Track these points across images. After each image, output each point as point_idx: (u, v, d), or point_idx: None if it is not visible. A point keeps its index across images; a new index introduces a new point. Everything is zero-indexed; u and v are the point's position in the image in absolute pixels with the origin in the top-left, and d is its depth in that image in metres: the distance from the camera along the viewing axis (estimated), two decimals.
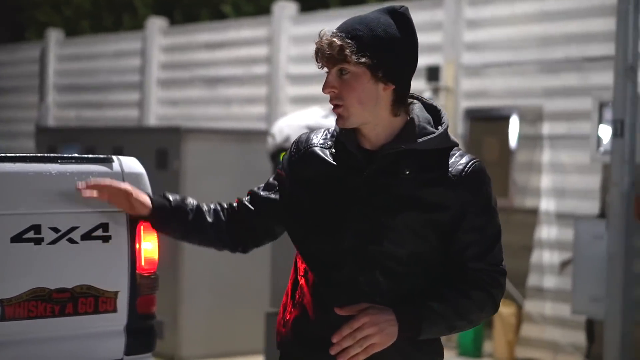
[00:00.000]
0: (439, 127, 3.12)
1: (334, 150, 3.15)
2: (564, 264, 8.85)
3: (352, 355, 2.98)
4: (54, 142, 9.90)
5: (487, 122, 9.33)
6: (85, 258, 3.88)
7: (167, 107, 13.29)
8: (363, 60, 3.02)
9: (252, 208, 3.37)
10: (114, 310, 3.94)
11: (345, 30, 3.06)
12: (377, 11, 3.14)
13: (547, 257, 9.05)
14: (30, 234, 3.77)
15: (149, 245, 4.05)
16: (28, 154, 3.92)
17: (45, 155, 3.93)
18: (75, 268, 3.86)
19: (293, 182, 3.23)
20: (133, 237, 4.00)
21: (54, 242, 3.82)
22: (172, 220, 3.48)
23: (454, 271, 3.09)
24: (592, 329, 8.50)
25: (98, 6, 16.42)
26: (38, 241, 3.78)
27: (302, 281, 3.19)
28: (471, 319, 3.10)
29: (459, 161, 3.08)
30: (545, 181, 9.10)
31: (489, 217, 3.10)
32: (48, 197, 3.83)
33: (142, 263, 4.02)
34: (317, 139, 3.23)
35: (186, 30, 13.40)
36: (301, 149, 3.24)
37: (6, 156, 3.82)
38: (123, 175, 4.03)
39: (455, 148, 3.13)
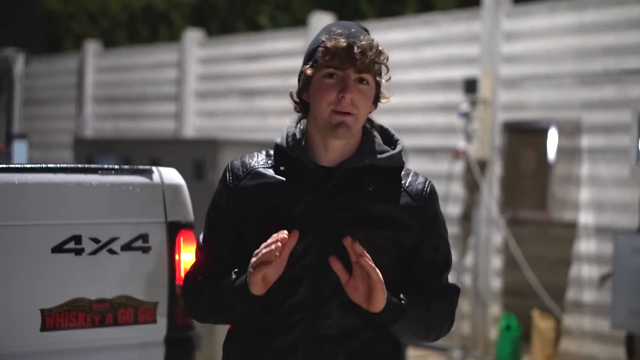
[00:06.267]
0: (397, 146, 3.05)
1: (282, 167, 3.00)
2: (603, 278, 8.78)
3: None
4: (91, 153, 9.94)
5: (525, 135, 9.28)
6: (125, 269, 3.88)
7: (204, 118, 13.33)
8: (382, 78, 2.98)
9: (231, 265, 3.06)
10: (154, 321, 3.94)
11: (371, 40, 2.95)
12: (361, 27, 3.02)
13: (585, 271, 8.98)
14: (71, 245, 3.77)
15: (188, 256, 4.05)
16: (69, 165, 3.93)
17: (86, 166, 3.94)
18: (115, 278, 3.86)
19: (240, 213, 3.01)
20: (172, 248, 4.00)
21: (94, 252, 3.82)
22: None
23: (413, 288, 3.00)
24: (632, 343, 8.41)
25: (134, 18, 16.50)
26: (79, 252, 3.79)
27: None
28: (440, 324, 3.00)
29: (416, 180, 3.02)
30: (584, 194, 9.04)
31: (444, 236, 3.06)
32: (88, 207, 3.84)
33: (182, 274, 4.02)
34: (254, 162, 3.05)
35: (222, 42, 13.45)
36: (240, 175, 3.05)
37: (47, 167, 3.84)
38: (163, 187, 4.04)
39: (406, 168, 3.06)
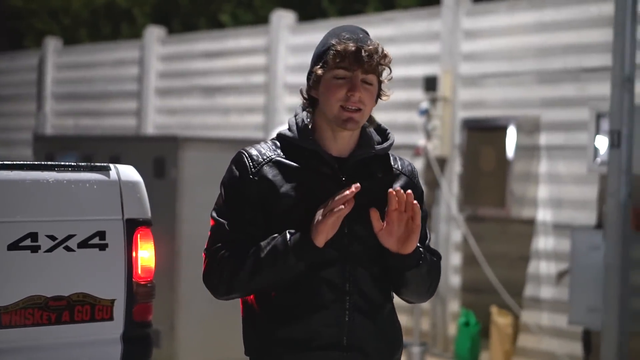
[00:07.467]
0: (389, 136, 3.40)
1: (300, 160, 3.25)
2: (560, 275, 8.86)
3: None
4: (52, 150, 9.89)
5: (485, 132, 9.33)
6: (81, 266, 3.88)
7: (165, 116, 13.30)
8: (385, 79, 3.32)
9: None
10: (111, 318, 3.94)
11: (376, 44, 3.27)
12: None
13: (543, 267, 9.05)
14: (27, 242, 3.77)
15: (146, 253, 4.05)
16: (25, 162, 3.92)
17: (43, 163, 3.93)
18: (71, 276, 3.86)
19: (266, 197, 3.22)
20: (130, 246, 4.00)
21: (50, 249, 3.82)
22: None
23: None
24: (589, 339, 8.49)
25: (96, 15, 16.43)
26: (35, 249, 3.79)
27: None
28: (436, 278, 3.37)
29: (404, 162, 3.42)
30: (542, 191, 9.10)
31: (426, 210, 3.42)
32: (45, 205, 3.83)
33: (139, 271, 4.03)
34: (270, 151, 3.28)
35: (184, 40, 13.42)
36: (261, 161, 3.25)
37: (3, 164, 3.82)
38: (120, 184, 4.04)
39: (391, 153, 3.42)
